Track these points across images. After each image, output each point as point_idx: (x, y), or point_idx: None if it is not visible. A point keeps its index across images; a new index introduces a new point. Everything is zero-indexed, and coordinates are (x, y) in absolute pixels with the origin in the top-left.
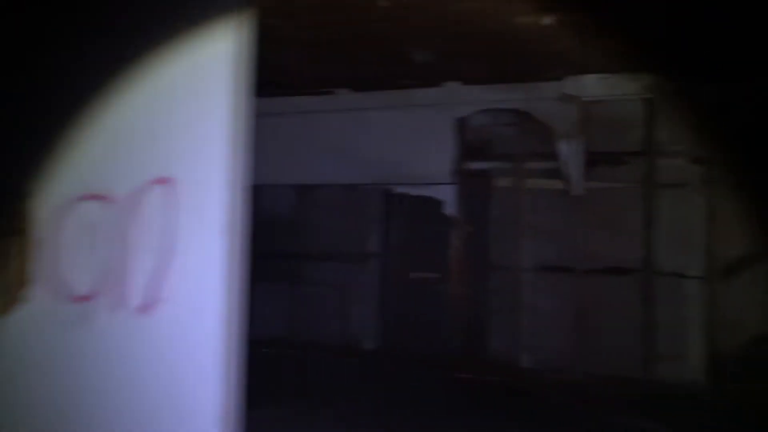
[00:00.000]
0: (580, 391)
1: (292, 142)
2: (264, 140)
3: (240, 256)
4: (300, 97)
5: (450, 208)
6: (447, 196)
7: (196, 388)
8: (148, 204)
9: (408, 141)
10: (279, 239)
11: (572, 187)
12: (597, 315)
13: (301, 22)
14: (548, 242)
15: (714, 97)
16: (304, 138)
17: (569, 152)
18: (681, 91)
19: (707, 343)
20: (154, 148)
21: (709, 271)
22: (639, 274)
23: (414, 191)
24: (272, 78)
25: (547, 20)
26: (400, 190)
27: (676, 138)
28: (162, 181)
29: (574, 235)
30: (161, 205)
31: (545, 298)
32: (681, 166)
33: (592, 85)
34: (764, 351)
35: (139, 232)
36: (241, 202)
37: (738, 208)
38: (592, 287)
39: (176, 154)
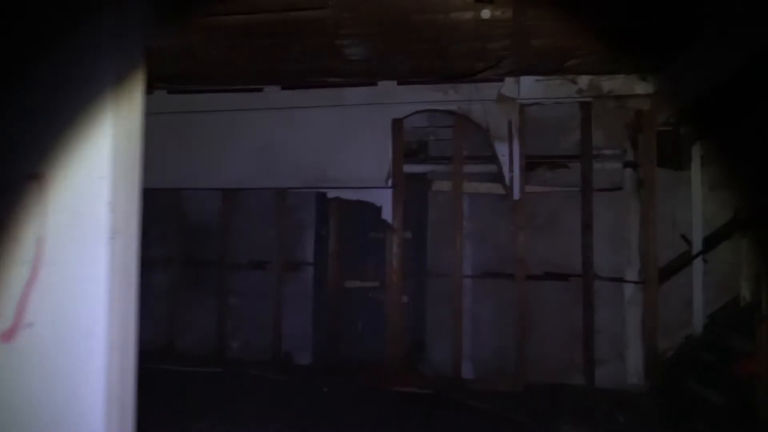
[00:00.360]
0: (523, 400)
1: (218, 143)
2: (187, 140)
3: (129, 266)
4: (226, 93)
5: (386, 213)
6: (383, 200)
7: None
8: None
9: (341, 142)
10: (205, 247)
11: (511, 191)
12: (538, 321)
13: (225, 9)
14: (488, 247)
15: (648, 98)
16: (231, 138)
17: (507, 155)
18: (617, 92)
19: (645, 346)
20: (26, 141)
21: (646, 275)
22: (578, 279)
23: (348, 195)
24: (196, 72)
25: (485, 14)
26: (333, 194)
27: (612, 141)
28: (36, 176)
29: (513, 240)
30: (33, 207)
31: (486, 305)
32: (616, 170)
33: (530, 87)
34: (697, 350)
35: (8, 239)
36: (132, 205)
37: (670, 210)
38: (532, 293)
39: (52, 149)
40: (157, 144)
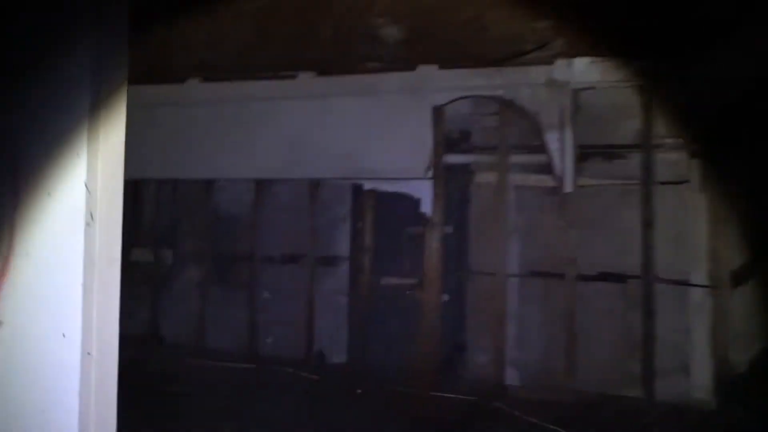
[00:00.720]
0: (572, 412)
1: (251, 133)
2: (219, 130)
3: (110, 257)
4: (259, 81)
5: (425, 207)
6: (422, 192)
7: None
8: None
9: (378, 131)
10: (236, 240)
11: (562, 183)
12: (590, 326)
13: None
14: (535, 245)
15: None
16: (264, 128)
17: (558, 145)
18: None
19: (714, 357)
20: None
21: (716, 278)
22: (637, 281)
23: (385, 187)
24: (227, 60)
25: None
26: (369, 186)
27: (675, 130)
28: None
29: (564, 237)
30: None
31: (532, 307)
32: (681, 161)
33: (583, 70)
34: None
35: None
36: (113, 185)
37: (743, 208)
38: (584, 295)
39: (22, 136)
40: (188, 134)
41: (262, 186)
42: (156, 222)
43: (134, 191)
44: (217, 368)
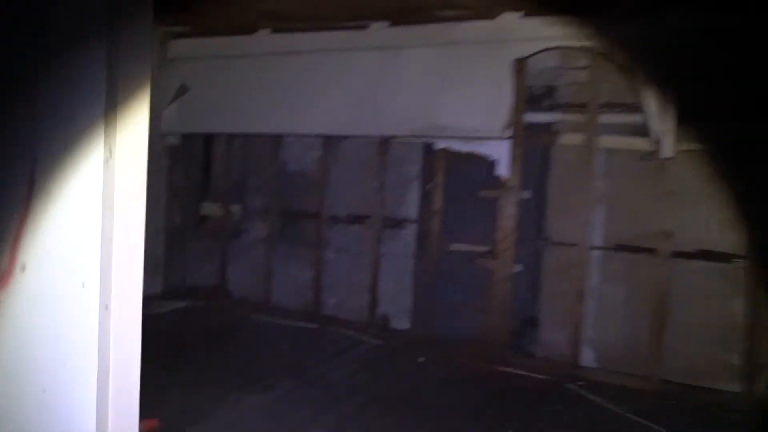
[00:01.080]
0: (656, 403)
1: (320, 86)
2: (288, 83)
3: (132, 199)
4: (330, 32)
5: (503, 169)
6: (498, 153)
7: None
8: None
9: (453, 86)
10: (303, 198)
11: (659, 148)
12: (683, 309)
13: None
14: (623, 215)
15: None
16: (333, 81)
17: (656, 103)
18: None
19: None
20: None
21: None
22: (740, 260)
23: (458, 146)
24: (298, 9)
25: None
26: (441, 144)
27: None
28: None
29: (658, 208)
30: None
31: (616, 283)
32: None
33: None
34: None
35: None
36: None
37: None
38: (678, 274)
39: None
40: (257, 88)
41: (330, 142)
42: (226, 177)
43: (205, 146)
44: (280, 325)
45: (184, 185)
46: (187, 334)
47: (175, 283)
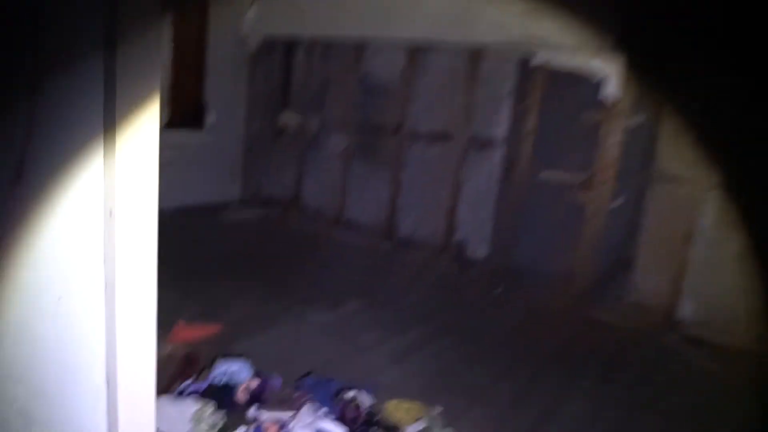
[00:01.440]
0: (760, 364)
1: None
2: None
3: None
4: None
5: (609, 90)
6: (606, 72)
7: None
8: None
9: None
10: (384, 111)
11: None
12: None
13: None
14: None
15: None
16: None
17: None
18: None
19: None
20: None
21: None
22: None
23: (558, 62)
24: None
25: None
26: (539, 59)
27: None
28: None
29: None
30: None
31: (733, 230)
32: None
33: None
34: None
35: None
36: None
37: None
38: None
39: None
40: None
41: (415, 52)
42: (305, 86)
43: (286, 53)
44: (352, 243)
45: (263, 93)
46: (259, 245)
47: (253, 193)
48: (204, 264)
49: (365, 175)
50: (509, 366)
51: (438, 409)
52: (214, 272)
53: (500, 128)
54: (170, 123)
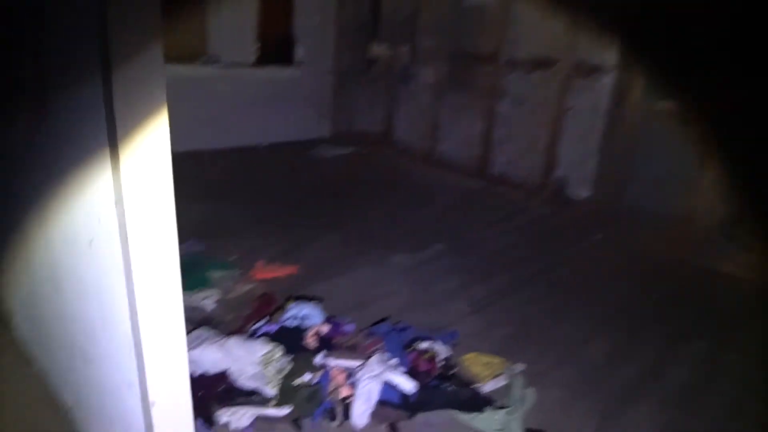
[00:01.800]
0: None
1: None
2: None
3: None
4: None
5: None
6: None
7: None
8: None
9: None
10: (479, 38)
11: None
12: None
13: None
14: None
15: None
16: None
17: None
18: None
19: None
20: None
21: None
22: None
23: None
24: None
25: None
26: None
27: None
28: None
29: None
30: None
31: None
32: None
33: None
34: None
35: None
36: None
37: None
38: None
39: None
40: None
41: None
42: (395, 14)
43: None
44: (443, 181)
45: (352, 25)
46: (347, 183)
47: (343, 128)
48: (287, 204)
49: (458, 108)
50: (605, 320)
51: (520, 366)
52: (297, 213)
53: (610, 53)
54: (260, 59)
